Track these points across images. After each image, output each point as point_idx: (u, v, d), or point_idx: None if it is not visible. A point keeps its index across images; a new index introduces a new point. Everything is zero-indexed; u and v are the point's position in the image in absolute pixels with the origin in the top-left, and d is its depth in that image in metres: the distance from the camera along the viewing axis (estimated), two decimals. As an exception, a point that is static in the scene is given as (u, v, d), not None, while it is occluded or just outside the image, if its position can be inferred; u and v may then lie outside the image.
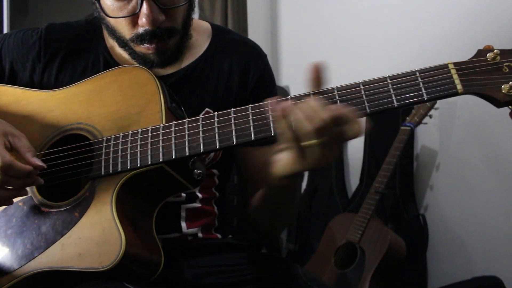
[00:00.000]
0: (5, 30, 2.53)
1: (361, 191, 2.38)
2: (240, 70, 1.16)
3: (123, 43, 1.06)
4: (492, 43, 0.84)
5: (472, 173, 2.10)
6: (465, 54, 0.84)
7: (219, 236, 1.18)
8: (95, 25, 1.17)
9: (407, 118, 2.09)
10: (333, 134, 0.79)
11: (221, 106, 1.12)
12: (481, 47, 0.82)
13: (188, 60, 1.14)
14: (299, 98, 0.84)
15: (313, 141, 0.80)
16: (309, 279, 1.08)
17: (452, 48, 2.11)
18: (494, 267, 1.96)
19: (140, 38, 1.02)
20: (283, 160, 0.87)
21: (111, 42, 1.13)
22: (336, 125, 0.78)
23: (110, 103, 1.00)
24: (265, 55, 1.23)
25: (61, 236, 0.91)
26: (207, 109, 1.12)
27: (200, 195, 1.14)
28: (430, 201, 2.26)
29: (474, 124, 2.08)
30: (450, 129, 2.18)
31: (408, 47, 2.35)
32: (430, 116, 2.08)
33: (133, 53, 1.07)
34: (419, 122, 2.07)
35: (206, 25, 1.21)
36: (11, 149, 0.94)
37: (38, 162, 0.94)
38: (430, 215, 2.23)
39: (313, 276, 1.11)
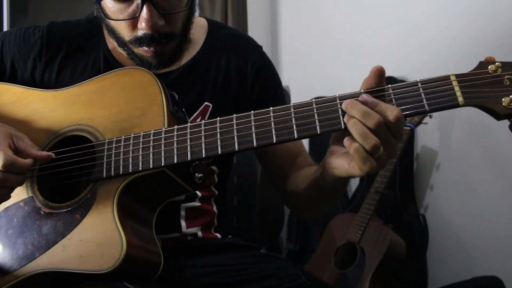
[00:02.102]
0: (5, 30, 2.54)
1: (361, 191, 2.39)
2: (238, 64, 1.17)
3: (122, 44, 1.07)
4: (490, 45, 0.84)
5: (472, 173, 2.10)
6: (464, 55, 0.84)
7: (218, 235, 1.19)
8: (96, 24, 1.18)
9: (407, 118, 2.09)
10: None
11: (220, 100, 1.13)
12: (479, 49, 0.82)
13: (187, 57, 1.15)
14: (300, 106, 0.84)
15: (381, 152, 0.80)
16: (309, 279, 1.08)
17: (451, 49, 2.11)
18: (494, 267, 1.96)
19: (139, 41, 1.02)
20: (343, 167, 0.85)
21: (113, 42, 1.14)
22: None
23: (112, 105, 1.00)
24: (260, 46, 1.24)
25: (62, 238, 0.91)
26: (206, 103, 1.13)
27: (199, 194, 1.14)
28: (430, 201, 2.26)
29: (474, 124, 2.08)
30: (450, 129, 2.18)
31: (407, 47, 2.35)
32: (430, 116, 2.09)
33: (131, 54, 1.07)
34: (419, 122, 2.08)
35: (203, 21, 1.22)
36: (15, 150, 0.94)
37: (45, 153, 0.96)
38: (430, 215, 2.23)
39: (313, 276, 1.11)
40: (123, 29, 1.03)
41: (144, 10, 0.98)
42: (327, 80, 2.72)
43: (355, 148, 0.79)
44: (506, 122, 0.81)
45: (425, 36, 2.26)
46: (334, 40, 2.75)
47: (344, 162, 0.85)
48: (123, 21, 1.01)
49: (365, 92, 0.82)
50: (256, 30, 3.06)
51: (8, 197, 0.95)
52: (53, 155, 0.97)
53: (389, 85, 0.82)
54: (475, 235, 2.08)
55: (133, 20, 1.01)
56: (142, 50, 1.04)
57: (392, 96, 0.81)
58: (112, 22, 1.04)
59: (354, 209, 2.22)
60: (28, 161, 0.92)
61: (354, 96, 0.83)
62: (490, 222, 2.03)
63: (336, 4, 2.75)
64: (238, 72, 1.17)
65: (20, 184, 0.94)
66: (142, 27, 1.00)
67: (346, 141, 0.81)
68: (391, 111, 0.78)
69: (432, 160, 2.25)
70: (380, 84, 0.83)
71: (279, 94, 1.21)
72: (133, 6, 0.99)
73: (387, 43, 2.45)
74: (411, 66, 2.27)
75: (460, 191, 2.14)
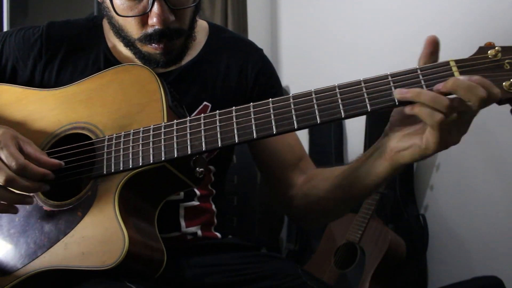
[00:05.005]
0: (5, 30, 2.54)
1: (361, 191, 2.38)
2: (238, 67, 1.18)
3: (129, 43, 1.07)
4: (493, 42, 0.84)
5: (472, 173, 2.10)
6: (466, 53, 0.84)
7: (218, 235, 1.19)
8: (96, 23, 1.18)
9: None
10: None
11: (219, 100, 1.14)
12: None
13: (187, 58, 1.15)
14: (300, 96, 0.85)
15: (455, 115, 0.78)
16: (309, 279, 1.08)
17: (453, 48, 2.10)
18: (494, 267, 1.96)
19: (149, 38, 1.02)
20: (417, 144, 0.83)
21: (112, 41, 1.14)
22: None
23: (111, 102, 1.00)
24: (261, 49, 1.25)
25: (64, 235, 0.91)
26: (205, 103, 1.13)
27: (198, 193, 1.15)
28: (430, 201, 2.26)
29: (474, 124, 2.07)
30: (450, 129, 2.18)
31: (407, 47, 2.35)
32: (430, 116, 2.08)
33: (138, 53, 1.07)
34: (419, 122, 2.08)
35: (204, 24, 1.23)
36: (23, 154, 0.93)
37: (56, 161, 0.96)
38: (430, 215, 2.23)
39: (313, 276, 1.11)
40: (132, 27, 1.03)
41: (156, 5, 0.98)
42: (327, 80, 2.71)
43: (419, 107, 0.78)
44: (506, 121, 0.81)
45: (425, 36, 2.26)
46: (334, 40, 2.75)
47: (416, 139, 0.83)
48: (133, 18, 1.01)
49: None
50: (256, 30, 3.06)
51: (15, 209, 0.94)
52: (63, 164, 0.97)
53: (388, 73, 0.82)
54: (475, 235, 2.08)
55: (143, 17, 1.01)
56: (151, 47, 1.04)
57: (392, 84, 0.81)
58: (120, 20, 1.04)
59: (354, 209, 2.22)
60: (42, 170, 0.92)
61: (353, 84, 0.82)
62: (490, 222, 2.03)
63: (336, 4, 2.75)
64: (239, 74, 1.18)
65: (30, 190, 0.93)
66: (154, 23, 1.00)
67: (407, 107, 0.80)
68: (497, 90, 0.77)
69: (432, 160, 2.25)
70: (435, 53, 0.84)
71: (279, 95, 1.21)
72: (144, 2, 1.00)
73: (387, 43, 2.44)
74: (411, 66, 2.27)
75: (460, 191, 2.14)
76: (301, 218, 1.19)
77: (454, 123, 0.80)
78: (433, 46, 0.84)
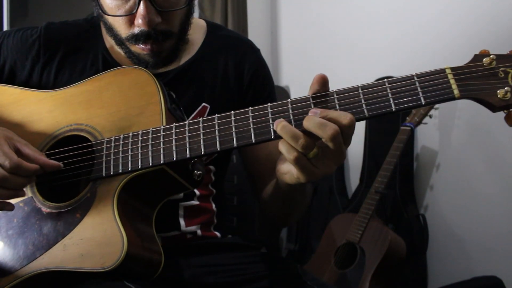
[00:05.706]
0: (5, 30, 2.53)
1: (361, 191, 2.39)
2: (235, 66, 1.18)
3: (119, 42, 1.07)
4: (489, 45, 0.85)
5: (472, 173, 2.10)
6: (463, 56, 0.85)
7: (218, 234, 1.19)
8: (94, 24, 1.18)
9: (407, 118, 2.10)
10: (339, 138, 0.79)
11: (218, 101, 1.13)
12: (479, 50, 0.83)
13: (185, 58, 1.15)
14: (298, 101, 0.85)
15: (315, 151, 0.80)
16: (309, 279, 1.08)
17: (450, 50, 2.11)
18: (494, 267, 1.96)
19: (135, 38, 1.02)
20: (292, 172, 0.85)
21: (110, 41, 1.14)
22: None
23: (110, 104, 1.00)
24: (258, 50, 1.25)
25: (63, 237, 0.91)
26: (204, 104, 1.13)
27: (197, 192, 1.15)
28: (430, 201, 2.26)
29: (474, 124, 2.09)
30: (450, 129, 2.18)
31: (406, 47, 2.35)
32: (430, 116, 2.09)
33: (128, 52, 1.07)
34: (419, 122, 2.08)
35: (202, 23, 1.23)
36: (20, 155, 0.93)
37: (55, 162, 0.96)
38: (430, 215, 2.23)
39: (313, 276, 1.11)
40: (120, 26, 1.04)
41: (141, 6, 0.98)
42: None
43: (282, 141, 0.80)
44: (504, 123, 0.82)
45: (424, 37, 2.26)
46: (334, 40, 2.75)
47: (292, 167, 0.84)
48: (120, 17, 1.02)
49: (312, 97, 0.83)
50: (256, 30, 3.06)
51: (10, 205, 0.94)
52: (62, 165, 0.97)
53: (386, 79, 0.83)
54: (475, 235, 2.09)
55: (130, 16, 1.01)
56: (139, 48, 1.04)
57: (389, 91, 0.82)
58: (109, 19, 1.05)
59: (354, 209, 2.22)
60: (34, 166, 0.92)
61: (350, 90, 0.83)
62: (490, 222, 2.03)
63: (336, 4, 2.76)
64: (236, 74, 1.18)
65: (22, 186, 0.93)
66: (139, 24, 1.00)
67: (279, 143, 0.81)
68: (345, 117, 0.78)
69: (432, 160, 2.26)
70: (325, 91, 0.84)
71: (271, 97, 1.22)
72: (131, 2, 1.00)
73: (386, 43, 2.45)
74: (410, 66, 2.27)
75: (460, 191, 2.15)
76: (267, 218, 1.21)
77: (318, 158, 0.80)
78: (321, 84, 0.83)
